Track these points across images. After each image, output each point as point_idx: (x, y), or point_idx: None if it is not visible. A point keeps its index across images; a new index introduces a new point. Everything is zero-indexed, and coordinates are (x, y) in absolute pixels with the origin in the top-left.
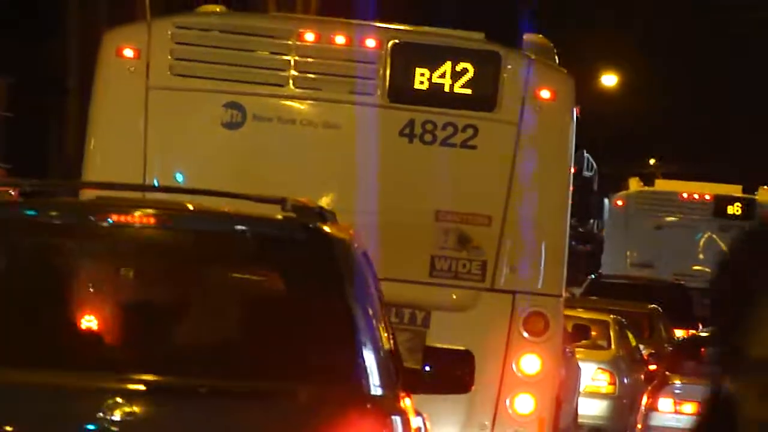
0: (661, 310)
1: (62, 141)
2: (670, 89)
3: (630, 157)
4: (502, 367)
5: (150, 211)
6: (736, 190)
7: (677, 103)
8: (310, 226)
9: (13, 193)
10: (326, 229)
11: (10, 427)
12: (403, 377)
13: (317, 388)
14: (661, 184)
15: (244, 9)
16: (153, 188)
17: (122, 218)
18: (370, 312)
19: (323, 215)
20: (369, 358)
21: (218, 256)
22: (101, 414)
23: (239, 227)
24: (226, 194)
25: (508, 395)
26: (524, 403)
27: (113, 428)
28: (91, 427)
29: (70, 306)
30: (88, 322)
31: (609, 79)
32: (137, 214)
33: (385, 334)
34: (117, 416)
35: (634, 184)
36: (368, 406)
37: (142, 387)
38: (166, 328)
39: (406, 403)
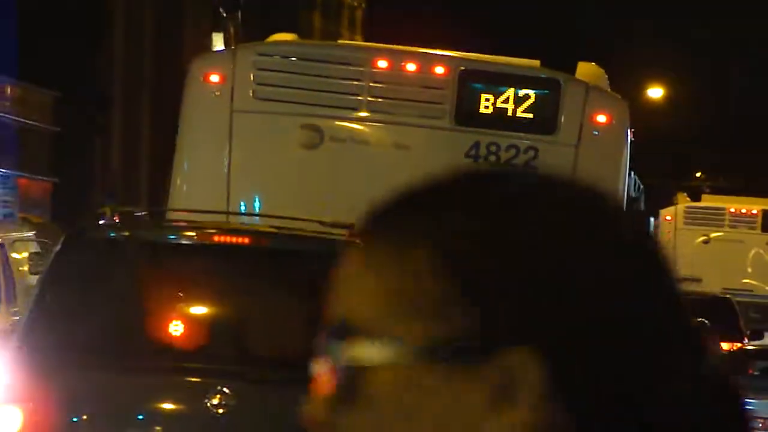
0: (707, 324)
1: (107, 154)
2: (715, 102)
3: (675, 168)
4: None
5: (246, 233)
6: None
7: (723, 116)
8: None
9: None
10: None
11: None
12: None
13: None
14: (708, 199)
15: (294, 27)
16: (238, 213)
17: (224, 239)
18: None
19: None
20: None
21: (303, 271)
22: (209, 401)
23: (320, 247)
24: (303, 220)
25: None
26: None
27: (221, 411)
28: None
29: (179, 312)
30: (196, 324)
31: (655, 92)
32: (236, 235)
33: None
34: (224, 401)
35: (682, 199)
36: None
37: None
38: (265, 329)
39: None
